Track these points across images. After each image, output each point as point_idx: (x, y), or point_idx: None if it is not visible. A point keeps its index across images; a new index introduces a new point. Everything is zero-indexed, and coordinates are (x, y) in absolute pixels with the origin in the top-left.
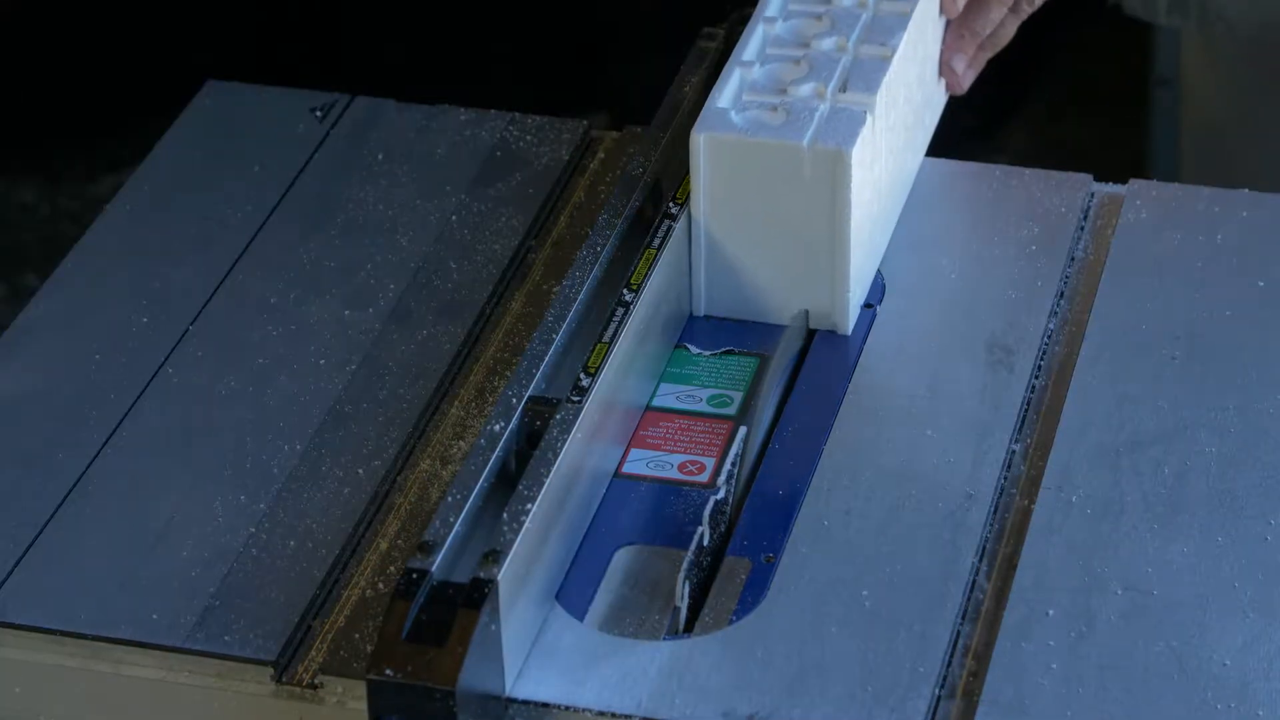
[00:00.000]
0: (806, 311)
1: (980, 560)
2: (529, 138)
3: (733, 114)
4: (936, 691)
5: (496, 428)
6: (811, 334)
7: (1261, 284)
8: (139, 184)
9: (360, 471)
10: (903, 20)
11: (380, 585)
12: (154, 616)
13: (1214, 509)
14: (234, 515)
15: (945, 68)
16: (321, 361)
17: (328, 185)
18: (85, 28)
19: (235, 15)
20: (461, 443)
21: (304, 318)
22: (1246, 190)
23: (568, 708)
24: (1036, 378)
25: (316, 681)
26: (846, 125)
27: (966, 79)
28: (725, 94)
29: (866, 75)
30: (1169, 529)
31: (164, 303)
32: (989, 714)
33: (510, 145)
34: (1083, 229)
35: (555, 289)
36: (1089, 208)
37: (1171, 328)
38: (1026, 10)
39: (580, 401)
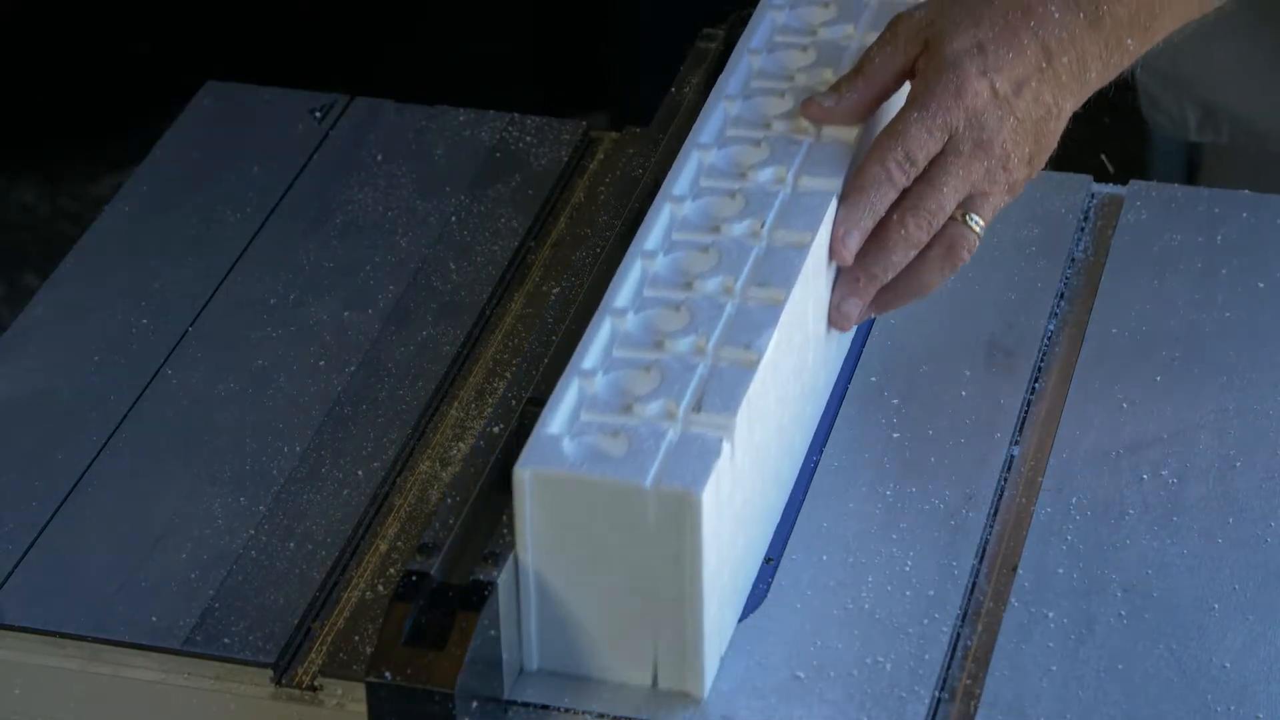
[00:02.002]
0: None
1: (980, 562)
2: (528, 138)
3: (565, 441)
4: (936, 693)
5: (496, 429)
6: None
7: (1261, 285)
8: (139, 184)
9: (360, 473)
10: (799, 255)
11: (380, 587)
12: (153, 619)
13: (1214, 511)
14: (233, 517)
15: (833, 311)
16: (321, 362)
17: (327, 186)
18: (85, 28)
19: (235, 15)
20: (461, 444)
21: (303, 319)
22: (1247, 191)
23: (568, 710)
24: (1036, 379)
25: (316, 684)
26: (698, 457)
27: (854, 320)
28: (558, 414)
29: (726, 387)
30: (1169, 531)
31: (164, 303)
32: (989, 716)
33: (509, 146)
34: (1083, 230)
35: (555, 290)
36: (1089, 208)
37: (1171, 329)
38: (962, 259)
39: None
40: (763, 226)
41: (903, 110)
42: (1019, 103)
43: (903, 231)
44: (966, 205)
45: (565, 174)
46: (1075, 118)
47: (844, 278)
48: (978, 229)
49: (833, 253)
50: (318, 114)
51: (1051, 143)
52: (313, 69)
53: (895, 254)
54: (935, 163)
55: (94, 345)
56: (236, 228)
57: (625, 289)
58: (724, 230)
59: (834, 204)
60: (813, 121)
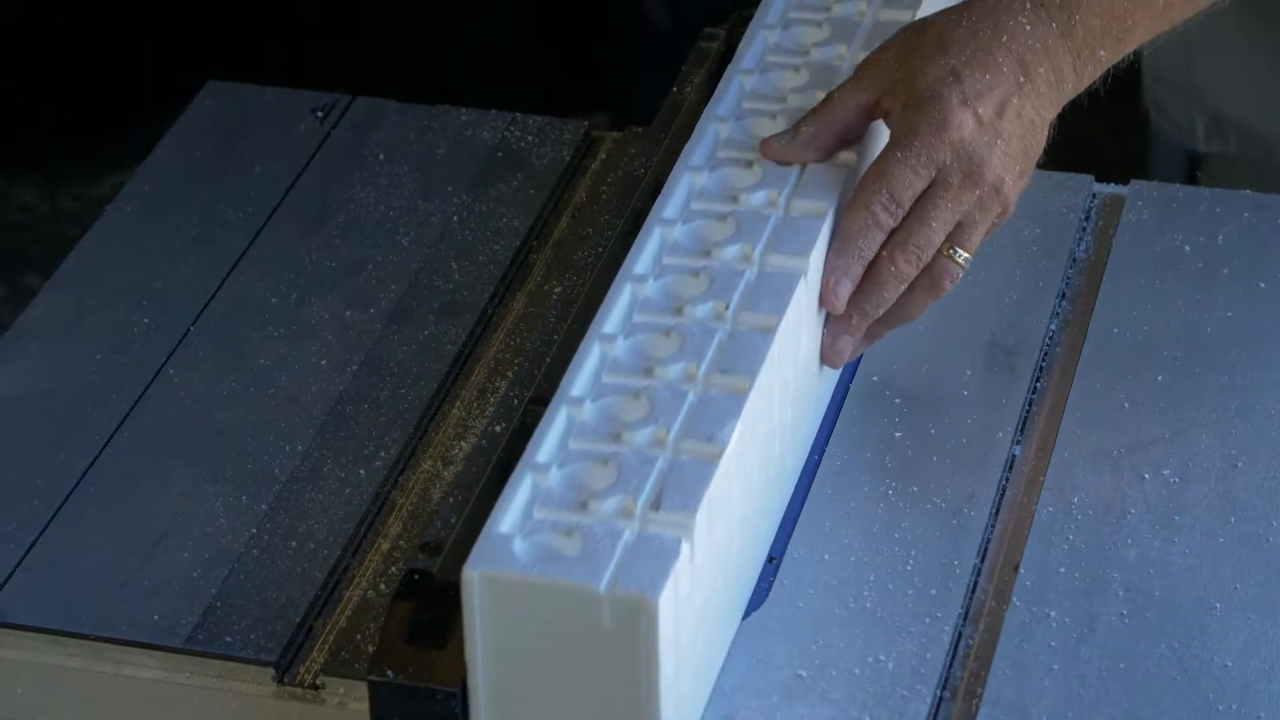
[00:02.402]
0: None
1: (982, 561)
2: (530, 138)
3: (516, 541)
4: (938, 692)
5: (498, 428)
6: None
7: (1262, 285)
8: (139, 184)
9: (361, 472)
10: (765, 340)
11: (382, 586)
12: (155, 617)
13: (1215, 510)
14: (235, 516)
15: (826, 350)
16: (323, 362)
17: (329, 185)
18: (85, 28)
19: (235, 15)
20: (463, 443)
21: (305, 318)
22: (1247, 191)
23: None
24: (1038, 379)
25: (317, 682)
26: (656, 559)
27: (847, 357)
28: (510, 511)
29: (686, 483)
30: (1170, 530)
31: (165, 303)
32: (990, 715)
33: (511, 145)
34: (1084, 230)
35: (556, 290)
36: (1090, 208)
37: (1172, 329)
38: (945, 290)
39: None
40: (727, 308)
41: (885, 150)
42: (1004, 125)
43: (892, 268)
44: (953, 237)
45: (567, 174)
46: (1076, 118)
47: (836, 317)
48: (961, 262)
49: (823, 301)
50: (319, 113)
51: (1037, 153)
52: (314, 68)
53: (886, 290)
54: (924, 197)
55: (95, 345)
56: (238, 227)
57: (583, 375)
58: (686, 312)
59: (802, 285)
60: (772, 159)
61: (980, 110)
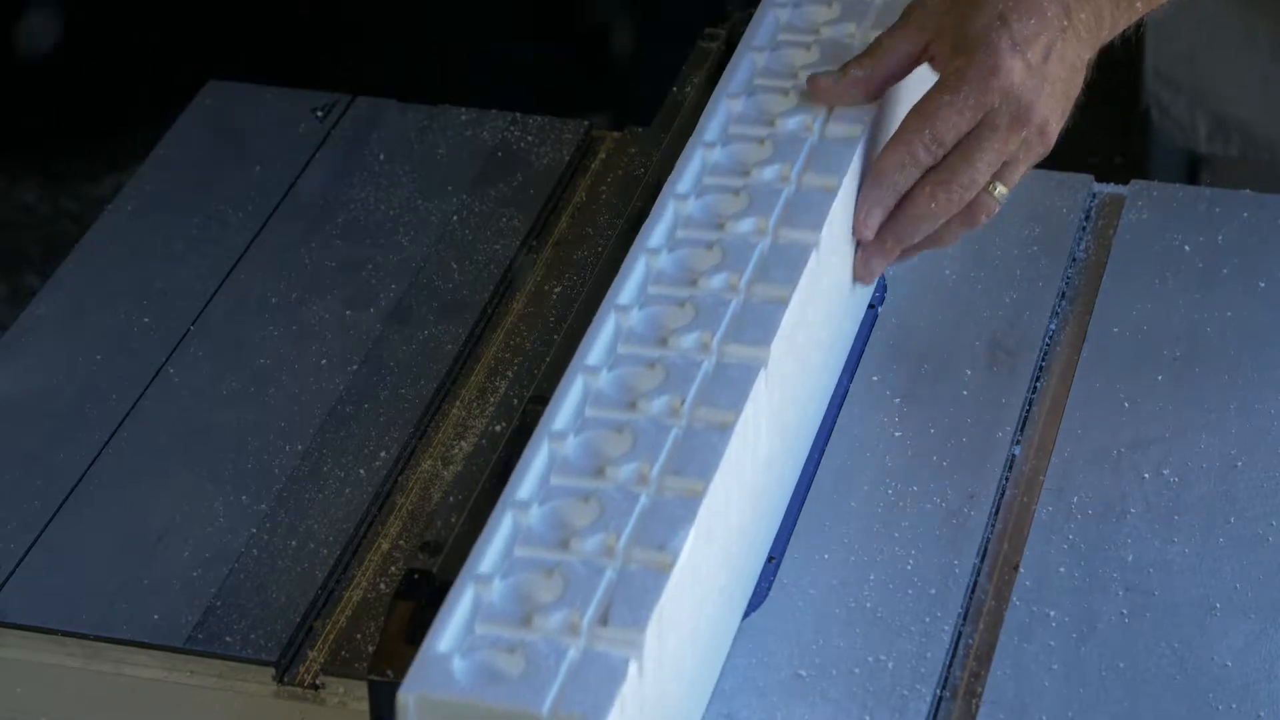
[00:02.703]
0: None
1: (982, 560)
2: (530, 138)
3: (455, 660)
4: (938, 692)
5: (498, 428)
6: None
7: (1262, 284)
8: (140, 184)
9: (361, 472)
10: (722, 436)
11: (382, 586)
12: (155, 617)
13: (1215, 510)
14: (235, 516)
15: (859, 268)
16: (323, 362)
17: (328, 185)
18: (86, 28)
19: (235, 15)
20: (463, 443)
21: (305, 318)
22: (1247, 191)
23: None
24: (1038, 378)
25: (318, 682)
26: (602, 680)
27: (878, 275)
28: (450, 627)
29: (635, 595)
30: (1170, 530)
31: (164, 303)
32: (991, 714)
33: (511, 145)
34: (1084, 229)
35: (556, 290)
36: (1090, 208)
37: (1172, 328)
38: (980, 223)
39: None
40: (683, 403)
41: (931, 93)
42: (1049, 68)
43: (933, 205)
44: (995, 175)
45: (567, 173)
46: (1076, 118)
47: (872, 243)
48: (999, 197)
49: (855, 230)
50: (319, 113)
51: (1076, 94)
52: (313, 68)
53: (924, 224)
54: (970, 138)
55: (96, 345)
56: (238, 227)
57: (530, 476)
58: (641, 408)
59: (762, 377)
60: (817, 99)
61: (1029, 55)
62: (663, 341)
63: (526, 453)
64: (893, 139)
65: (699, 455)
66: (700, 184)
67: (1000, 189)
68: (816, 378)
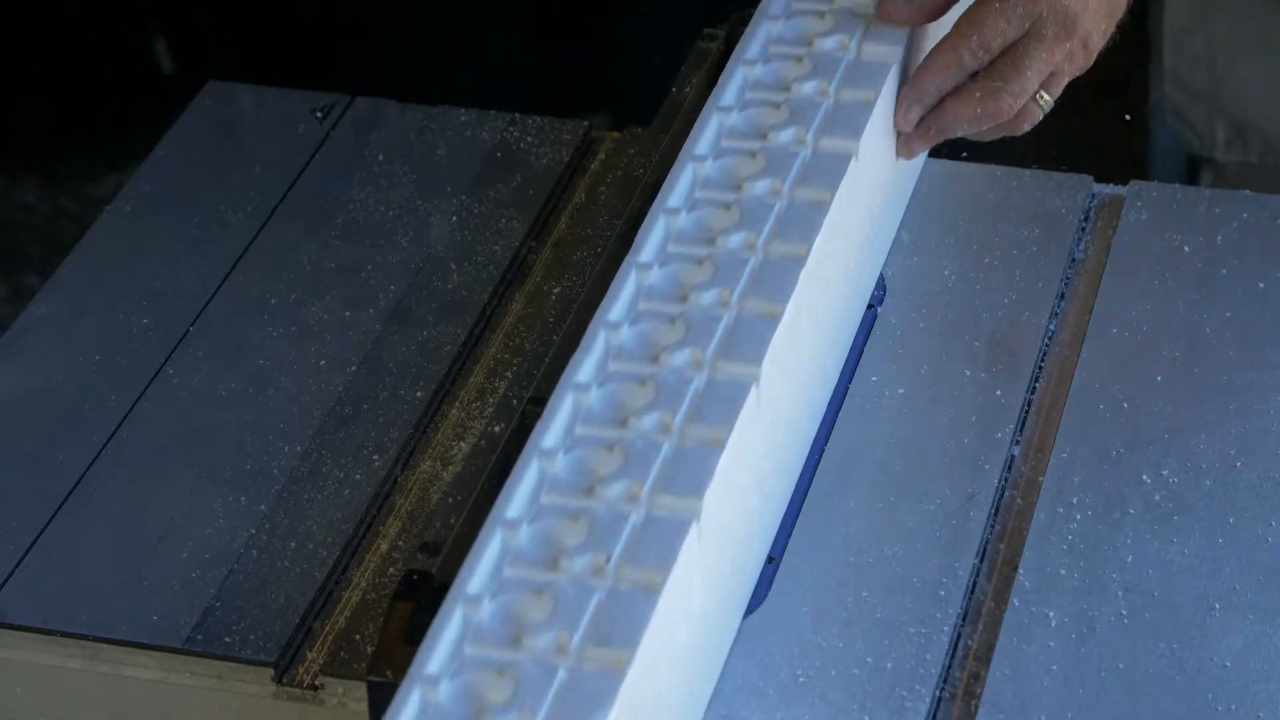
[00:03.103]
0: None
1: (981, 561)
2: (529, 138)
3: (443, 684)
4: (937, 693)
5: (497, 429)
6: None
7: (1261, 285)
8: (140, 184)
9: (361, 473)
10: (713, 454)
11: (381, 586)
12: (154, 618)
13: (1214, 510)
14: (234, 516)
15: (900, 147)
16: (322, 362)
17: (328, 186)
18: (86, 27)
19: (236, 15)
20: (462, 444)
21: (304, 318)
22: (1247, 191)
23: None
24: (1037, 378)
25: (317, 683)
26: (589, 707)
27: (917, 154)
28: (438, 649)
29: (625, 614)
30: (1169, 530)
31: (165, 303)
32: (990, 715)
33: (511, 146)
34: (1083, 230)
35: (556, 290)
36: (1090, 209)
37: (1172, 329)
38: (1023, 129)
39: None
40: (674, 420)
41: (980, 1)
42: None
43: (979, 110)
44: (1042, 84)
45: (566, 174)
46: (1076, 118)
47: (919, 127)
48: (1044, 105)
49: (895, 121)
50: (319, 114)
51: (1119, 14)
52: (313, 68)
53: (969, 123)
54: (1019, 47)
55: (95, 345)
56: (238, 228)
57: (519, 495)
58: (631, 425)
59: (754, 394)
60: (890, 22)
61: None
62: (654, 358)
63: (516, 471)
64: (941, 43)
65: (690, 472)
66: (691, 198)
67: (1045, 97)
68: (814, 383)
